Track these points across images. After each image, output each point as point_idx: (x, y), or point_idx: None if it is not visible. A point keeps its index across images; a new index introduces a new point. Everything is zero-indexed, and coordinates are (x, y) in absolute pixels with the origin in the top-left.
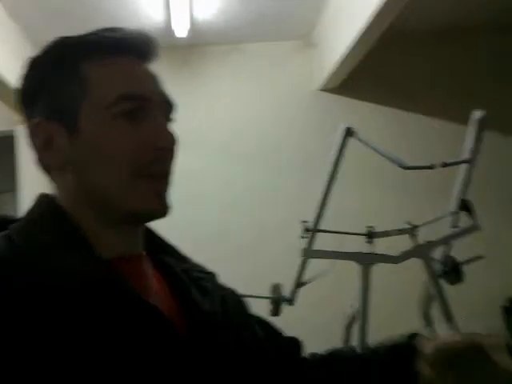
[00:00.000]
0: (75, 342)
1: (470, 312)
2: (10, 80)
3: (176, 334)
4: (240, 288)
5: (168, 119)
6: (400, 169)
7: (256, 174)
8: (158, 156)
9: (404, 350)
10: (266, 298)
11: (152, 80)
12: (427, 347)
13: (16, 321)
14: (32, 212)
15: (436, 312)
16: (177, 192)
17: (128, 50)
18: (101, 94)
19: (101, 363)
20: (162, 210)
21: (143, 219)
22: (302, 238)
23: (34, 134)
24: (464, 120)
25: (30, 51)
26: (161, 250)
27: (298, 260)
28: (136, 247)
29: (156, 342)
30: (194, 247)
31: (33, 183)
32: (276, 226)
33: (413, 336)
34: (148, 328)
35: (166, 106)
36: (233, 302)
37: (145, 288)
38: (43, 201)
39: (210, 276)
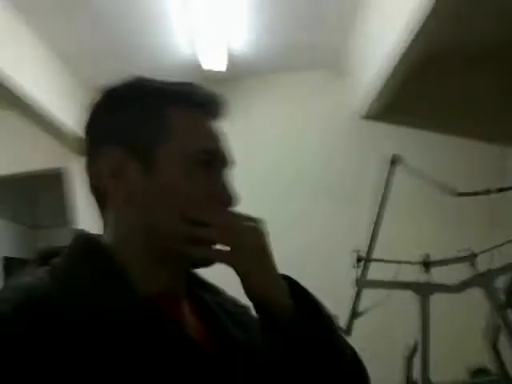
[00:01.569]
0: (112, 375)
1: None
2: (60, 117)
3: (213, 367)
4: None
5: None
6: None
7: (300, 206)
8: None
9: None
10: None
11: (221, 138)
12: None
13: (55, 360)
14: (72, 249)
15: (504, 344)
16: None
17: (205, 106)
18: (184, 141)
19: None
20: (215, 259)
21: (198, 266)
22: (356, 267)
23: (104, 161)
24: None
25: (77, 89)
26: (195, 284)
27: (352, 290)
28: (179, 285)
29: (193, 375)
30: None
31: (85, 219)
32: (324, 257)
33: None
34: (186, 360)
35: (229, 165)
36: None
37: (183, 323)
38: (81, 237)
39: (244, 310)
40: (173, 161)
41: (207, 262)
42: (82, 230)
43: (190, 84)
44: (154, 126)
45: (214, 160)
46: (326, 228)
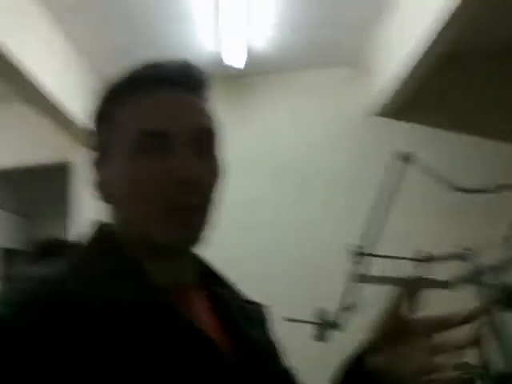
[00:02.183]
0: (124, 365)
1: None
2: (75, 112)
3: (224, 361)
4: (287, 313)
5: (203, 152)
6: (454, 192)
7: (315, 202)
8: (181, 189)
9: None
10: (312, 322)
11: (183, 113)
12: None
13: (76, 352)
14: (92, 240)
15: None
16: (238, 219)
17: (164, 83)
18: (125, 132)
19: None
20: (185, 243)
21: (169, 251)
22: (355, 262)
23: (91, 171)
24: None
25: (94, 84)
26: (212, 280)
27: (350, 284)
28: (184, 276)
29: (204, 368)
30: (244, 271)
31: (87, 211)
32: (339, 253)
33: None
34: (197, 353)
35: (198, 140)
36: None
37: (193, 316)
38: (102, 229)
39: (259, 308)
40: (121, 154)
41: (179, 246)
42: (101, 222)
43: (150, 65)
44: (109, 128)
45: (166, 141)
46: (340, 225)
